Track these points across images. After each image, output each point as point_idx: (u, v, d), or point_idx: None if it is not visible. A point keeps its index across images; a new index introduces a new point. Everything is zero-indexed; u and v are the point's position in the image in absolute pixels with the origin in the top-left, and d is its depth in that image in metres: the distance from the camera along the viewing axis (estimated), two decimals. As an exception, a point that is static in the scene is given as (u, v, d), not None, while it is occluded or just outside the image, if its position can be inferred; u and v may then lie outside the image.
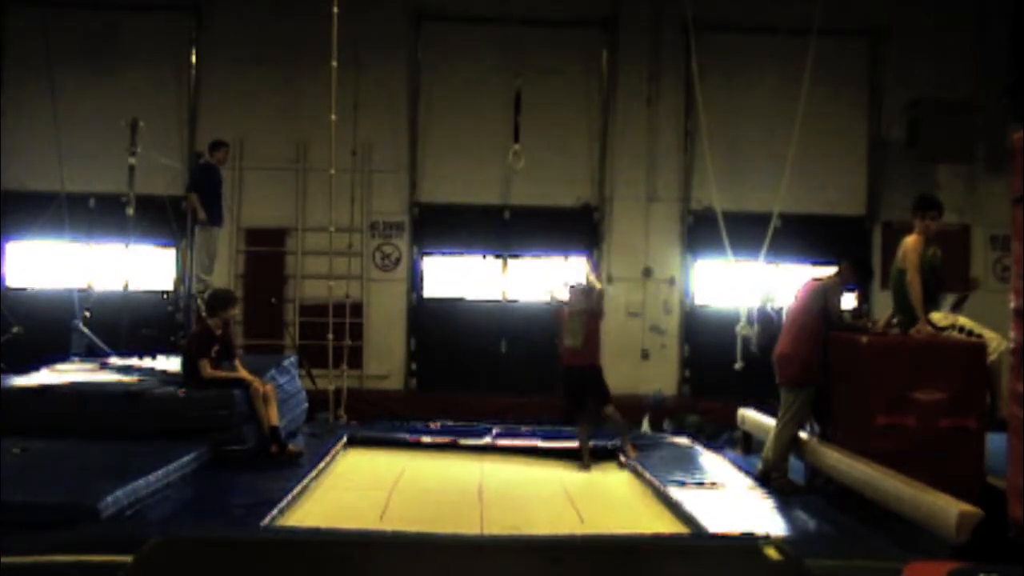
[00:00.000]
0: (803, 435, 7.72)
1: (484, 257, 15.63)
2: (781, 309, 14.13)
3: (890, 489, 6.18)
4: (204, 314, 8.74)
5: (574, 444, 9.44)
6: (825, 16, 13.02)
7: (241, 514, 6.31)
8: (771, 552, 4.74)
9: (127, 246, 12.31)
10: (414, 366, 15.38)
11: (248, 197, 15.06)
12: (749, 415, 9.40)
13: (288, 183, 15.11)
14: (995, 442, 6.38)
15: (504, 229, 15.37)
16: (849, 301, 12.93)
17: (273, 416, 8.19)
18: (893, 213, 14.66)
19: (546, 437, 9.98)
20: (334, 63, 10.68)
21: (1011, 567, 4.74)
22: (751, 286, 14.17)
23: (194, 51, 15.09)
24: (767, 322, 14.09)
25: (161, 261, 15.15)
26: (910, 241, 7.36)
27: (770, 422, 8.12)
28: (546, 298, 10.24)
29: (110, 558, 4.61)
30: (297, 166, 15.07)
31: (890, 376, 6.82)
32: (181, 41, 15.05)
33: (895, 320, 7.63)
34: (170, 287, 14.83)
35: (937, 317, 7.23)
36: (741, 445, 9.80)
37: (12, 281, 15.11)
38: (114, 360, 10.12)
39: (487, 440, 9.71)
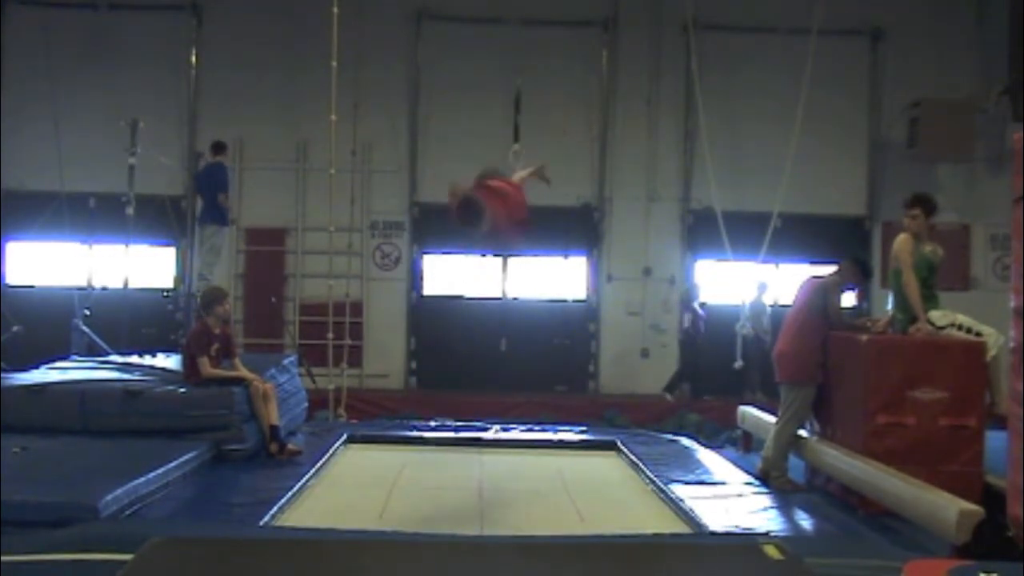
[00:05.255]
0: (803, 434, 7.72)
1: (484, 256, 15.63)
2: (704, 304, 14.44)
3: (890, 488, 6.18)
4: (201, 313, 8.73)
5: (574, 439, 9.44)
6: (825, 16, 13.05)
7: (241, 513, 6.30)
8: (771, 551, 4.74)
9: (127, 246, 12.32)
10: (414, 365, 15.40)
11: (248, 197, 15.07)
12: (749, 413, 9.40)
13: (288, 183, 15.12)
14: (995, 441, 6.38)
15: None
16: (849, 300, 12.96)
17: (273, 415, 8.18)
18: (893, 213, 14.58)
19: (545, 434, 9.97)
20: (334, 63, 10.69)
21: (1011, 566, 4.74)
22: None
23: (194, 51, 15.10)
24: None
25: (161, 260, 15.16)
26: (900, 240, 7.37)
27: (770, 420, 8.12)
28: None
29: (110, 557, 4.60)
30: (297, 166, 15.09)
31: (890, 375, 6.82)
32: (181, 41, 15.06)
33: (896, 320, 7.63)
34: (170, 286, 14.85)
35: (936, 315, 7.23)
36: (741, 444, 9.80)
37: (12, 280, 15.12)
38: (114, 359, 10.11)
39: (487, 438, 9.70)
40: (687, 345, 14.58)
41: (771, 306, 14.27)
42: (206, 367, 8.23)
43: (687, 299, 14.71)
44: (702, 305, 14.59)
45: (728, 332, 14.16)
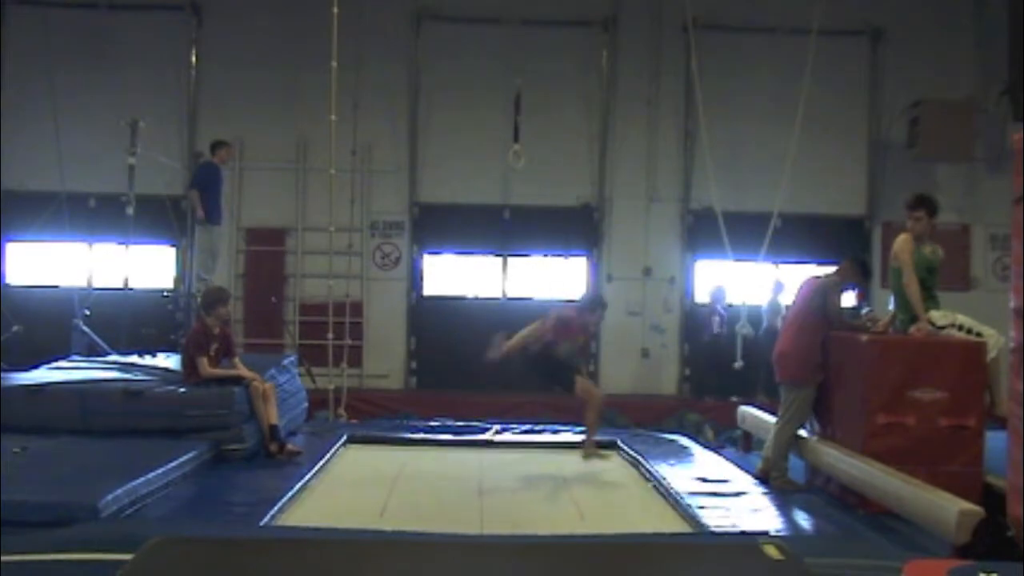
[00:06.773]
0: (803, 434, 7.72)
1: (484, 256, 15.64)
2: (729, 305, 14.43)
3: (890, 488, 6.18)
4: (201, 313, 8.74)
5: (573, 439, 9.45)
6: (825, 16, 13.02)
7: (241, 513, 6.31)
8: (771, 551, 4.73)
9: (127, 246, 12.31)
10: (414, 365, 15.39)
11: (248, 197, 15.07)
12: (749, 414, 9.40)
13: (288, 183, 15.11)
14: (995, 441, 6.38)
15: (504, 229, 15.37)
16: (849, 300, 12.96)
17: (273, 415, 8.19)
18: (893, 213, 14.63)
19: (545, 434, 9.98)
20: (334, 63, 10.68)
21: (1011, 566, 4.74)
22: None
23: (194, 51, 15.09)
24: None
25: (161, 260, 15.16)
26: (900, 240, 7.37)
27: (770, 420, 8.13)
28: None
29: (110, 557, 4.60)
30: (297, 166, 15.08)
31: (890, 375, 6.82)
32: (181, 41, 15.05)
33: (897, 319, 7.63)
34: (170, 286, 14.85)
35: (936, 315, 7.23)
36: (741, 444, 9.80)
37: (12, 280, 15.11)
38: (114, 359, 10.12)
39: (486, 438, 9.71)
40: (712, 348, 14.52)
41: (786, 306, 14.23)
42: (205, 367, 8.24)
43: (714, 300, 14.67)
44: (726, 307, 14.56)
45: (729, 332, 14.15)
